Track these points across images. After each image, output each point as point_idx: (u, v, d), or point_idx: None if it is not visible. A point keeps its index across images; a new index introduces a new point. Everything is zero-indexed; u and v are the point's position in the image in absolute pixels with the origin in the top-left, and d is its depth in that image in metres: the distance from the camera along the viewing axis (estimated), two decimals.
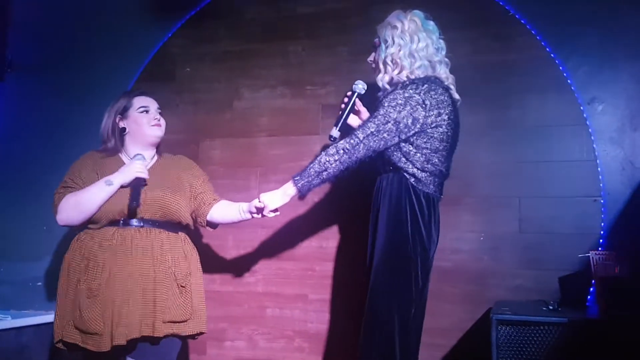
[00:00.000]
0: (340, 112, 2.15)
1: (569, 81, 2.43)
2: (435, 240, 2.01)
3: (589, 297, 2.30)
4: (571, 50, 2.44)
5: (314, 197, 2.68)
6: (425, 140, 1.94)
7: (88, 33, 3.09)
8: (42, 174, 2.69)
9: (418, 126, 1.93)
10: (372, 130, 1.93)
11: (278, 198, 2.01)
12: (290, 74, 2.83)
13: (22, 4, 3.08)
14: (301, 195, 1.99)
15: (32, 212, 2.99)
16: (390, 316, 1.91)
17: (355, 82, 2.15)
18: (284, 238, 2.75)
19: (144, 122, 2.21)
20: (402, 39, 2.01)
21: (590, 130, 2.39)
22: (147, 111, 2.22)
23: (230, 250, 2.82)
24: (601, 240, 2.33)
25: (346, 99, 2.16)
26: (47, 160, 2.94)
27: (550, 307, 2.10)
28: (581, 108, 2.41)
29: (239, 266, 2.80)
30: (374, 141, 1.93)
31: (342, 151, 1.93)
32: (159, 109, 2.27)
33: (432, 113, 1.93)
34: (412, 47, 2.01)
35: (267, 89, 2.86)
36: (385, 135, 1.93)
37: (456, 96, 2.07)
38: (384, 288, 1.93)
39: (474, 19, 2.55)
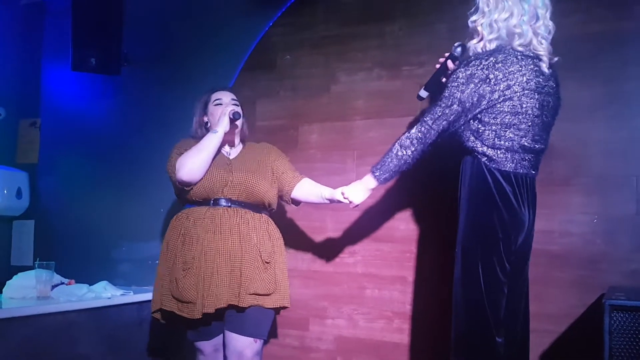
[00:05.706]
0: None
1: None
2: (526, 220, 1.91)
3: None
4: None
5: (412, 182, 2.66)
6: (493, 116, 1.87)
7: (196, 27, 3.22)
8: (158, 161, 2.88)
9: (484, 103, 1.86)
10: (439, 114, 1.93)
11: (362, 194, 2.16)
12: (386, 55, 2.80)
13: (134, 1, 3.24)
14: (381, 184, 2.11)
15: (149, 197, 3.22)
16: (472, 302, 1.87)
17: (455, 44, 2.07)
18: (382, 220, 2.75)
19: (218, 114, 2.36)
20: (487, 6, 1.93)
21: None
22: (220, 103, 2.39)
23: (329, 231, 2.87)
24: None
25: (442, 59, 2.12)
26: (162, 149, 3.15)
27: None
28: None
29: (338, 247, 2.85)
30: (443, 124, 1.94)
31: (415, 141, 1.98)
32: (234, 99, 2.42)
33: (498, 87, 1.84)
34: (492, 17, 1.91)
35: (363, 72, 2.85)
36: (452, 117, 1.92)
37: (545, 70, 1.90)
38: (463, 274, 1.90)
39: None
